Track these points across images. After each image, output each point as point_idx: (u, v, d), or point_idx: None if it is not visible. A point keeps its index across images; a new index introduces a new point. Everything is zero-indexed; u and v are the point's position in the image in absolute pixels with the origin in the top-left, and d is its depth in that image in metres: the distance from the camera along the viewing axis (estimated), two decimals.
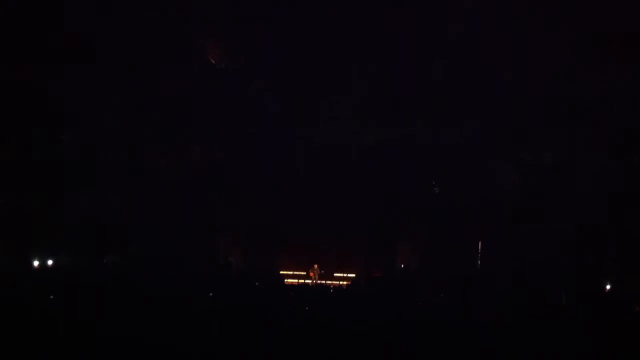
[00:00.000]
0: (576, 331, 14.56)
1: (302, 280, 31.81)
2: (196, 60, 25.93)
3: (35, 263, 26.85)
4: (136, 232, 28.62)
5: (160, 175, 29.40)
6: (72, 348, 12.47)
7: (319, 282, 31.40)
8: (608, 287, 26.59)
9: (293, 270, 32.25)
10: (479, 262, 31.23)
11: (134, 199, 28.77)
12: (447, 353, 12.73)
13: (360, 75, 25.65)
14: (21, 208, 27.07)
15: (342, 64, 25.58)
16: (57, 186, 27.62)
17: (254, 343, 13.46)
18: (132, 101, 26.79)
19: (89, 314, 14.69)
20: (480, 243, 31.37)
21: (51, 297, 18.67)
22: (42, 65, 25.49)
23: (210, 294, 22.02)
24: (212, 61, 25.85)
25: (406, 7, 23.36)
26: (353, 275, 32.34)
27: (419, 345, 13.24)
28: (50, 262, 27.30)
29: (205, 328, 14.36)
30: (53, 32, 24.41)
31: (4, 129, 26.52)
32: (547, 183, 28.65)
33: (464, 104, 26.29)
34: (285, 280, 31.99)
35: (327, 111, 27.84)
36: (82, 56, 25.34)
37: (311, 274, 31.60)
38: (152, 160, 29.60)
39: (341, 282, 32.01)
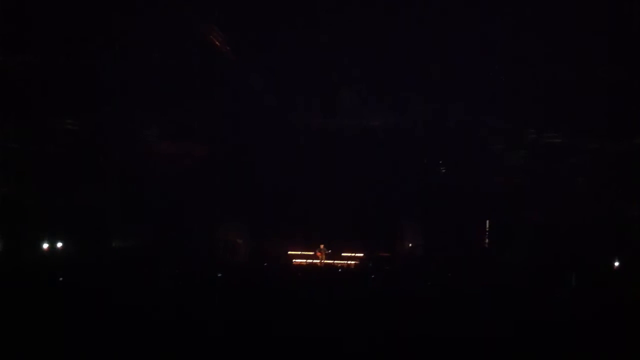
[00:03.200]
0: (580, 316, 14.59)
1: (310, 261, 31.86)
2: (199, 48, 25.85)
3: (45, 246, 27.10)
4: (142, 217, 28.75)
5: (167, 160, 29.51)
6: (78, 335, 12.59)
7: (326, 262, 31.47)
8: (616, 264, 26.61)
9: (301, 251, 32.30)
10: (486, 241, 31.27)
11: (140, 183, 28.86)
12: (449, 336, 12.79)
13: (363, 60, 25.51)
14: (28, 193, 27.27)
15: (344, 50, 25.45)
16: (63, 175, 27.78)
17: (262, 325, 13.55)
18: (132, 89, 26.75)
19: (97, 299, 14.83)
20: (487, 223, 31.39)
21: (60, 279, 18.90)
22: (43, 55, 25.52)
23: (219, 275, 22.18)
24: (215, 45, 25.76)
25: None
26: (361, 255, 32.38)
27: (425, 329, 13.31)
28: (59, 245, 27.54)
29: (212, 312, 14.46)
30: (55, 22, 24.39)
31: (6, 119, 26.65)
32: (552, 166, 28.59)
33: (471, 86, 26.16)
34: (294, 260, 32.10)
35: (333, 96, 27.73)
36: (81, 46, 25.33)
37: (318, 254, 31.65)
38: (157, 145, 29.69)
39: (349, 262, 32.07)
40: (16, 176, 27.66)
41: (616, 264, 26.41)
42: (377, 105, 28.54)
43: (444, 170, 31.77)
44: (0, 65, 25.50)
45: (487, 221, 31.50)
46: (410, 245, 32.04)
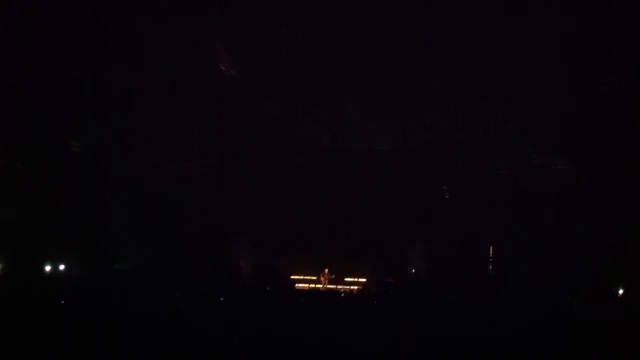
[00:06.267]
0: (587, 335, 14.52)
1: (313, 285, 31.72)
2: (205, 66, 26.01)
3: (47, 268, 27.02)
4: (145, 238, 28.75)
5: (170, 181, 29.58)
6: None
7: (329, 286, 31.33)
8: (620, 291, 26.49)
9: (304, 275, 32.18)
10: (490, 266, 31.16)
11: (143, 204, 28.90)
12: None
13: (368, 78, 25.66)
14: (31, 215, 27.32)
15: (351, 67, 25.61)
16: (67, 193, 27.86)
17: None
18: (138, 106, 26.92)
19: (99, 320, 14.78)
20: (491, 247, 31.29)
21: (62, 302, 18.83)
22: (46, 69, 25.73)
23: (221, 299, 22.09)
24: (221, 66, 25.94)
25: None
26: (364, 280, 32.24)
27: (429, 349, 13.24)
28: (62, 267, 27.46)
29: (214, 335, 14.40)
30: (57, 33, 24.60)
31: (10, 134, 26.83)
32: (558, 186, 28.62)
33: (475, 106, 26.28)
34: (297, 285, 31.96)
35: (338, 116, 27.87)
36: (87, 59, 25.52)
37: (322, 278, 31.50)
38: (161, 165, 29.78)
39: (352, 287, 31.92)
40: (19, 196, 27.71)
41: (621, 282, 26.31)
42: (383, 128, 28.64)
43: (447, 196, 31.76)
44: (5, 85, 25.70)
45: (491, 247, 31.40)
46: (413, 270, 31.92)
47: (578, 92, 26.46)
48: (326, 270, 31.37)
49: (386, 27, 24.00)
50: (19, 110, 26.14)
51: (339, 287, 31.50)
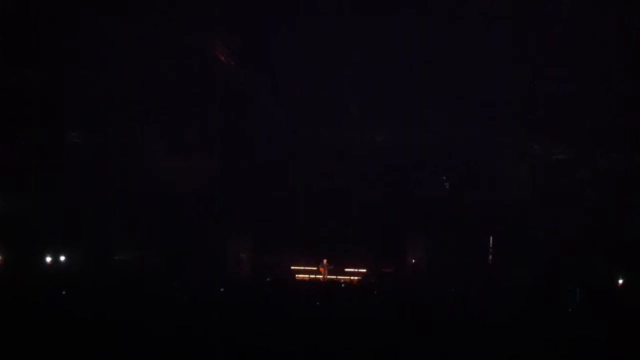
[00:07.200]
0: (585, 330, 14.56)
1: (313, 276, 31.77)
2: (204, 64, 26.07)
3: (48, 259, 27.11)
4: (144, 231, 28.82)
5: (168, 174, 29.67)
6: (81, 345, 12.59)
7: (329, 277, 31.37)
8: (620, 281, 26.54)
9: (304, 266, 32.23)
10: (490, 258, 31.22)
11: (141, 198, 28.96)
12: (453, 352, 12.75)
13: (368, 73, 25.71)
14: (31, 207, 27.40)
15: (350, 63, 25.64)
16: (67, 185, 27.92)
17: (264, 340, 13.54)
18: (137, 102, 26.97)
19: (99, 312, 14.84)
20: (490, 239, 31.35)
21: (63, 292, 18.92)
22: (45, 67, 25.77)
23: (222, 290, 22.17)
24: (219, 58, 25.96)
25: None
26: (364, 270, 32.29)
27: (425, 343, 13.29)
28: (62, 258, 27.55)
29: (215, 327, 14.45)
30: (53, 32, 24.65)
31: (10, 129, 26.87)
32: (557, 181, 28.65)
33: (474, 99, 26.29)
34: (296, 275, 32.02)
35: (337, 108, 27.91)
36: (86, 56, 25.56)
37: (321, 269, 31.55)
38: (159, 160, 29.85)
39: (352, 278, 31.98)
40: (21, 189, 27.78)
41: (620, 279, 26.33)
42: (381, 120, 28.68)
43: (447, 185, 31.80)
44: (3, 80, 25.74)
45: (491, 236, 31.45)
46: (413, 260, 31.96)
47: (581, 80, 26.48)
48: (325, 261, 31.41)
49: (386, 26, 24.03)
50: (18, 110, 26.20)
51: (339, 277, 31.55)
